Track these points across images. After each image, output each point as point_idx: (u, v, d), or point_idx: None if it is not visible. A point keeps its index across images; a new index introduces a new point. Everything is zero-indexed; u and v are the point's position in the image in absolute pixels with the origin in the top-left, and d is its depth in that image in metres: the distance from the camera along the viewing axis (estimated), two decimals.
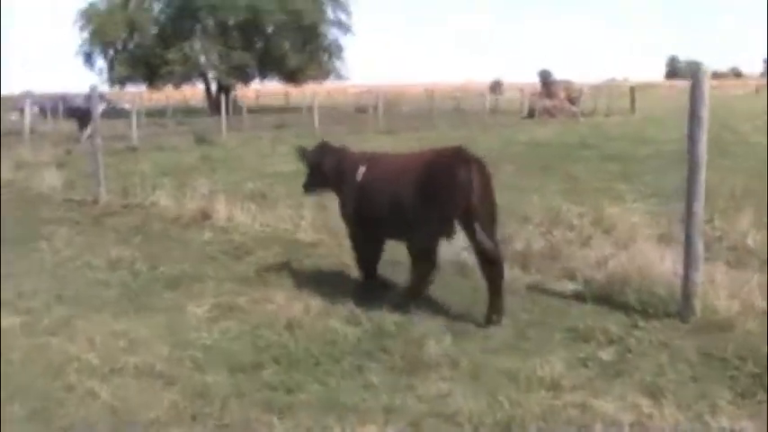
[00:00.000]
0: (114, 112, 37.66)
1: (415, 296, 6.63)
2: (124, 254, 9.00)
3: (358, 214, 6.98)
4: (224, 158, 20.41)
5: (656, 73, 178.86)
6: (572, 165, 17.58)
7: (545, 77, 45.59)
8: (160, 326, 6.49)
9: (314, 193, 7.95)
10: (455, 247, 8.30)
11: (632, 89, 45.44)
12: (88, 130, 27.28)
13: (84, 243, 9.93)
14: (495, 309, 6.33)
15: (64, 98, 48.58)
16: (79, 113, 31.29)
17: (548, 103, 41.48)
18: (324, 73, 61.03)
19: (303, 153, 7.56)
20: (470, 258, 8.02)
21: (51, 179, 15.07)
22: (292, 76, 59.28)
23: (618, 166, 17.28)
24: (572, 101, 42.91)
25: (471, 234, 6.23)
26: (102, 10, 56.01)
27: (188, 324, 6.53)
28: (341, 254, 8.60)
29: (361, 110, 46.87)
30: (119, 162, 20.13)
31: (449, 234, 6.40)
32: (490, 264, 6.34)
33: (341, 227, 8.04)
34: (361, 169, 6.88)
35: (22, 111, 53.43)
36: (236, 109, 45.34)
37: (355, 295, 6.93)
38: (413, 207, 6.30)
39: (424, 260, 6.52)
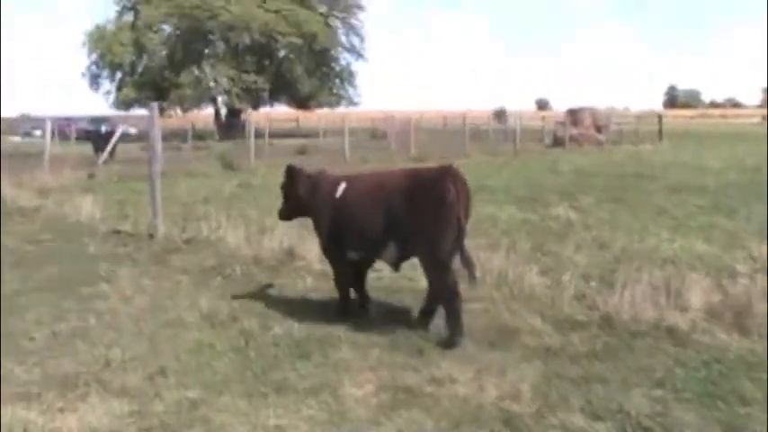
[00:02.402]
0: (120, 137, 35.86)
1: (458, 322, 6.10)
2: (217, 305, 7.22)
3: (334, 232, 6.73)
4: (263, 186, 18.60)
5: (654, 102, 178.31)
6: (646, 197, 15.98)
7: (542, 106, 44.63)
8: (320, 418, 4.72)
9: (288, 220, 7.67)
10: (649, 310, 6.67)
11: (660, 117, 44.13)
12: (104, 154, 25.70)
13: (155, 288, 8.15)
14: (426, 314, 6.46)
15: (69, 120, 47.21)
16: (95, 136, 29.76)
17: (574, 131, 39.91)
18: (336, 99, 59.54)
19: (288, 174, 7.28)
20: (679, 319, 6.41)
21: (87, 207, 13.23)
22: (304, 102, 57.83)
23: (697, 198, 15.64)
24: (598, 129, 41.45)
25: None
26: (110, 31, 54.49)
27: (355, 414, 4.77)
28: (498, 308, 6.88)
29: (377, 135, 45.41)
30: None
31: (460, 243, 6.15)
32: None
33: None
34: (342, 186, 6.71)
35: (27, 134, 52.24)
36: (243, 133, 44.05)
37: (341, 316, 6.79)
38: (405, 223, 6.17)
39: (443, 273, 6.14)
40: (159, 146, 11.29)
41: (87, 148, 31.18)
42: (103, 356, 5.77)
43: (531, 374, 5.37)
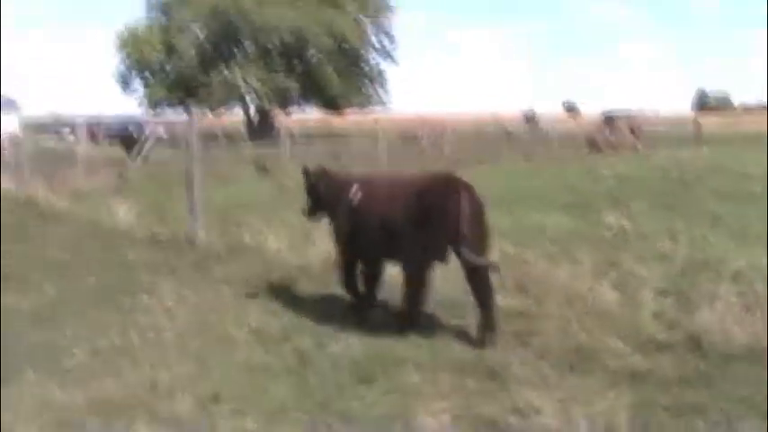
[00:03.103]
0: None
1: (409, 321, 6.31)
2: (266, 321, 6.75)
3: (351, 234, 6.71)
4: (300, 190, 18.08)
5: (683, 105, 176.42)
6: (697, 204, 15.31)
7: (569, 108, 43.86)
8: None
9: (315, 219, 7.63)
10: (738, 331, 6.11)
11: (696, 121, 43.30)
12: (138, 157, 25.42)
13: (199, 300, 7.68)
14: (488, 327, 6.13)
15: (98, 119, 47.12)
16: (127, 138, 29.53)
17: (610, 135, 39.15)
18: (366, 99, 58.93)
19: (307, 174, 7.37)
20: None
21: (123, 212, 12.81)
22: (334, 103, 57.31)
23: (749, 206, 14.92)
24: (634, 133, 40.67)
25: (460, 256, 6.04)
26: (140, 32, 54.34)
27: None
28: (572, 327, 6.37)
29: (408, 138, 44.81)
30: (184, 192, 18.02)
31: (441, 259, 6.21)
32: (482, 282, 6.16)
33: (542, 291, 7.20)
34: (354, 187, 6.71)
35: (57, 133, 52.16)
36: (275, 135, 43.73)
37: (348, 318, 6.74)
38: (404, 231, 6.15)
39: (417, 284, 6.26)
40: (197, 149, 10.81)
41: (117, 149, 30.98)
42: (149, 378, 5.31)
43: (620, 404, 4.84)
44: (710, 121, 48.70)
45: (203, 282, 8.48)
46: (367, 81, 59.06)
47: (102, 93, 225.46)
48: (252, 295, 7.78)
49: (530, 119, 70.07)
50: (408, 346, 6.00)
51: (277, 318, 6.87)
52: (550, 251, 9.87)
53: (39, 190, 15.78)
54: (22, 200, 15.34)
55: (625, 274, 8.42)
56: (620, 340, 6.07)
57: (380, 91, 59.86)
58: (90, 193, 16.82)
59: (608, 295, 7.09)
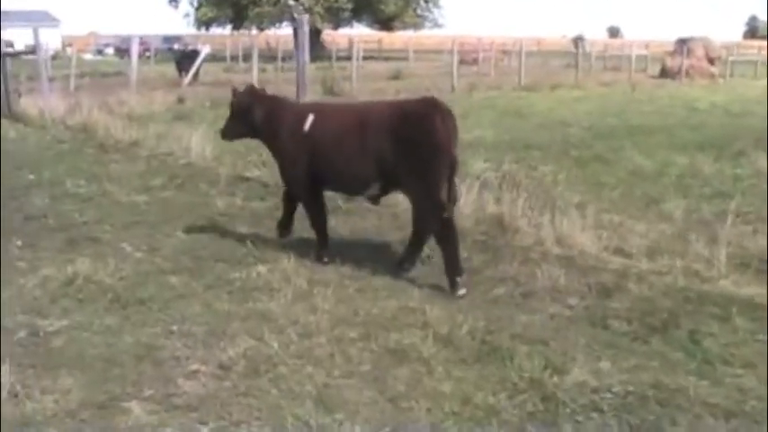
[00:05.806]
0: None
1: (456, 261, 5.45)
2: (450, 317, 4.80)
3: (309, 167, 6.00)
4: None
5: (734, 33, 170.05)
6: None
7: (614, 34, 41.10)
8: None
9: (232, 140, 6.84)
10: None
11: None
12: (189, 75, 23.59)
13: (337, 276, 5.73)
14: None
15: (145, 40, 45.50)
16: (180, 56, 27.71)
17: (686, 62, 36.41)
18: (420, 20, 56.41)
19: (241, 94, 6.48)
20: None
21: (197, 143, 10.85)
22: (387, 22, 54.87)
23: None
24: (711, 61, 37.88)
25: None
26: None
27: None
28: None
29: (465, 61, 42.63)
30: None
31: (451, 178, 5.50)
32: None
33: None
34: (310, 118, 5.98)
35: (99, 52, 50.48)
36: (325, 54, 41.61)
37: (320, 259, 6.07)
38: (393, 159, 5.54)
39: (439, 210, 5.42)
40: (307, 66, 8.77)
41: (165, 68, 29.29)
42: (325, 427, 3.42)
43: None
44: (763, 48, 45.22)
45: (332, 246, 6.45)
46: (422, 1, 56.56)
47: (141, 12, 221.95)
48: (405, 270, 5.86)
49: (578, 43, 67.40)
50: (682, 372, 4.08)
51: (460, 311, 4.94)
52: (737, 207, 7.93)
53: (94, 114, 13.78)
54: (76, 127, 13.40)
55: None
56: None
57: (435, 11, 57.39)
58: (147, 116, 14.90)
59: None
